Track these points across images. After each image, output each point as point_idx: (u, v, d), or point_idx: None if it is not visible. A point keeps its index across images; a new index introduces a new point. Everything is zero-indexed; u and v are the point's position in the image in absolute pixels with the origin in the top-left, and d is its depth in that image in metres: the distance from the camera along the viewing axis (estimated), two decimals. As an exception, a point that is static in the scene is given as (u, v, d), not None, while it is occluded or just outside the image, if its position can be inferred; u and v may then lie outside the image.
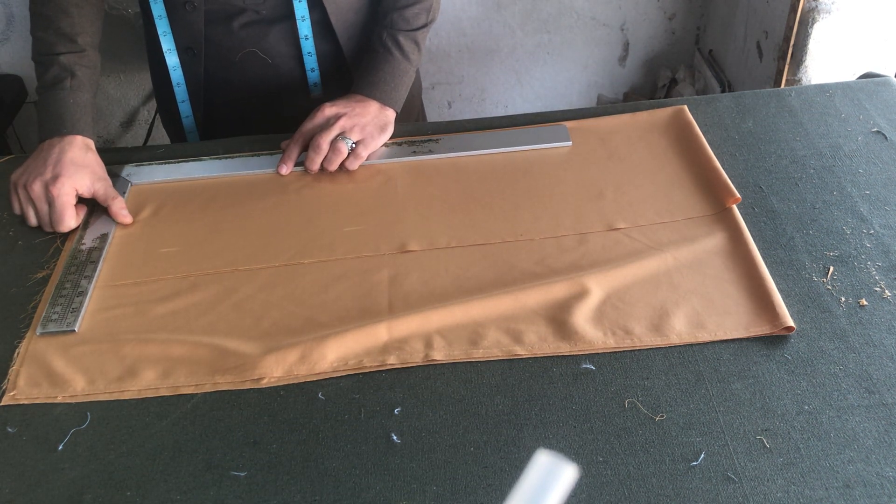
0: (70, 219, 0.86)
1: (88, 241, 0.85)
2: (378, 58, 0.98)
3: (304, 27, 1.01)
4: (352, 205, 0.87)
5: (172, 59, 1.02)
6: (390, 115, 0.96)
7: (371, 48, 1.00)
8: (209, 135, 1.10)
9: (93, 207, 0.89)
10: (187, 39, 1.01)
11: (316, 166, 0.91)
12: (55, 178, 0.86)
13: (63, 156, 0.87)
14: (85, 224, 0.87)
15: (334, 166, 0.91)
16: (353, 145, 0.91)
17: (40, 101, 0.92)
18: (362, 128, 0.93)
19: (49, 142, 0.89)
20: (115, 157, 0.97)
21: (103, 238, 0.85)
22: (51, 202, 0.86)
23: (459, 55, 1.91)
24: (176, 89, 1.05)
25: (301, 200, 0.89)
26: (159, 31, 1.00)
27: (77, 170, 0.87)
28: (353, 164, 0.91)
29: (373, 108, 0.95)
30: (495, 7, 1.83)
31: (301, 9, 0.99)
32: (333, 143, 0.91)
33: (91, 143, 0.92)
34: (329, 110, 0.93)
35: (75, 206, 0.87)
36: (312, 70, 1.05)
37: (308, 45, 1.02)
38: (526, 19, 1.86)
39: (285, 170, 0.92)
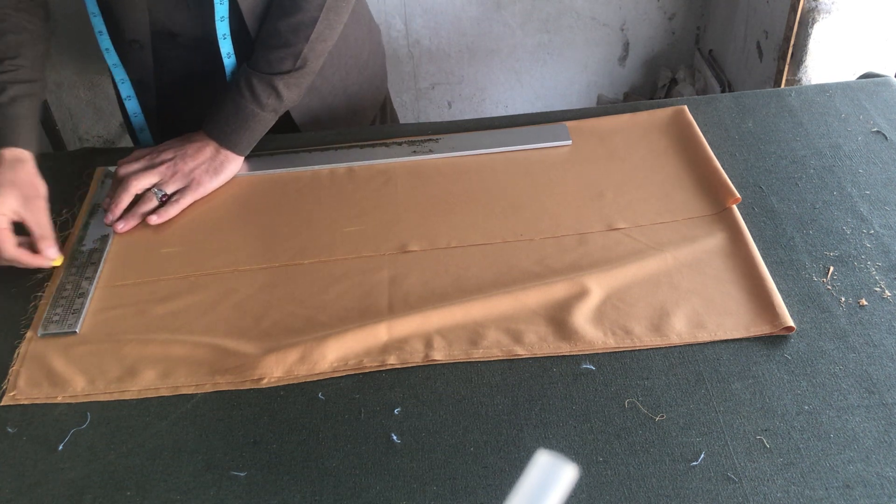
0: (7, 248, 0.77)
1: (89, 242, 0.85)
2: (227, 96, 0.91)
3: (223, 26, 0.94)
4: (352, 205, 0.87)
5: (126, 90, 0.99)
6: (229, 157, 0.90)
7: (228, 84, 0.94)
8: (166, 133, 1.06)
9: (93, 209, 0.89)
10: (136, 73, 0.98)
11: (117, 212, 0.86)
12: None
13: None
14: (85, 225, 0.87)
15: (137, 213, 0.86)
16: (164, 195, 0.87)
17: None
18: (186, 175, 0.88)
19: None
20: (115, 158, 0.97)
21: (104, 239, 0.85)
22: None
23: (459, 55, 1.91)
24: (126, 102, 1.01)
25: (301, 200, 0.89)
26: (109, 63, 0.97)
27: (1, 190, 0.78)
28: (164, 216, 0.86)
29: (208, 150, 0.90)
30: (495, 7, 1.83)
31: (223, 27, 0.94)
32: (143, 192, 0.87)
33: (25, 154, 0.83)
34: (152, 154, 0.89)
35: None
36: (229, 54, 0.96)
37: (226, 44, 0.95)
38: (526, 19, 1.86)
39: (121, 227, 0.86)
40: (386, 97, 1.21)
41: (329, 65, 1.03)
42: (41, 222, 0.81)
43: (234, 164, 0.91)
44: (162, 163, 0.89)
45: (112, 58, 0.97)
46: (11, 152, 0.82)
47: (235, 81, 0.92)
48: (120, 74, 0.98)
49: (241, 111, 0.90)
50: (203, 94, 0.99)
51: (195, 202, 0.89)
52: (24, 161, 0.82)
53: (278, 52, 0.90)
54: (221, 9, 0.92)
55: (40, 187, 0.83)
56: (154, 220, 0.87)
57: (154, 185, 0.88)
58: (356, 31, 1.07)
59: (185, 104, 1.02)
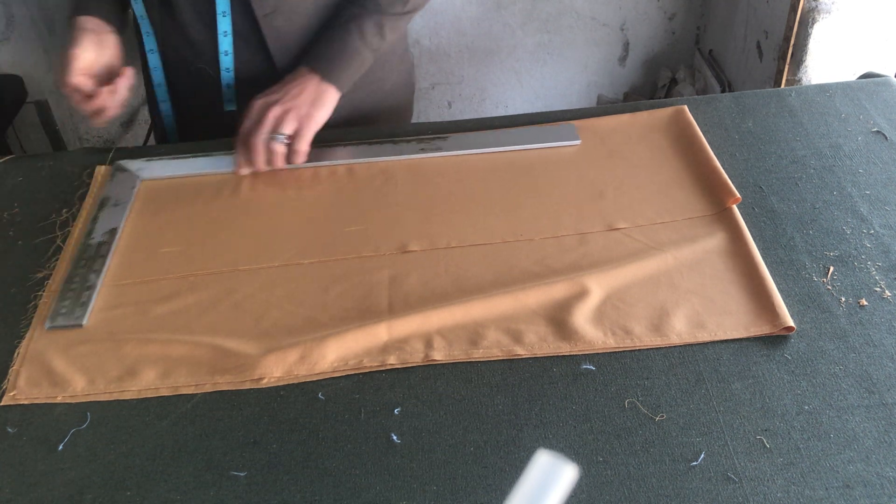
0: (99, 111, 0.89)
1: (98, 235, 0.85)
2: (334, 33, 0.94)
3: (226, 42, 0.97)
4: (352, 205, 0.87)
5: (154, 60, 1.01)
6: (330, 92, 0.92)
7: (330, 23, 0.96)
8: (186, 137, 1.08)
9: (102, 202, 0.89)
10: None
11: (255, 167, 0.90)
12: (63, 70, 0.87)
13: (68, 46, 0.89)
14: (94, 218, 0.87)
15: (278, 165, 0.90)
16: (287, 140, 0.89)
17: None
18: (297, 111, 0.89)
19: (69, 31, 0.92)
20: (115, 157, 0.97)
21: (112, 233, 0.85)
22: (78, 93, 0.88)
23: (459, 55, 1.91)
24: (157, 90, 1.03)
25: (301, 200, 0.89)
26: (142, 30, 0.99)
27: (78, 52, 0.88)
28: (298, 159, 0.90)
29: (310, 85, 0.91)
30: (495, 7, 1.83)
31: (224, 24, 0.96)
32: (268, 143, 0.89)
33: (97, 21, 0.92)
34: (258, 103, 0.90)
35: (119, 78, 0.89)
36: (228, 86, 1.01)
37: (226, 42, 0.97)
38: (526, 19, 1.86)
39: (244, 171, 0.91)
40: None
41: (368, 82, 1.04)
42: (119, 68, 0.92)
43: (333, 100, 0.93)
44: (269, 110, 0.89)
45: (146, 26, 0.99)
46: (86, 19, 0.92)
47: (341, 20, 0.95)
48: (150, 44, 1.00)
49: (348, 48, 0.93)
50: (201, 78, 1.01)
51: (191, 205, 0.89)
52: (95, 26, 0.92)
53: None
54: (223, 3, 0.93)
55: (112, 45, 0.93)
56: (293, 162, 0.90)
57: (273, 133, 0.89)
58: (397, 50, 1.08)
59: (183, 85, 1.04)
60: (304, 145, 0.90)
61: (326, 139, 0.97)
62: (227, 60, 0.98)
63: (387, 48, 0.98)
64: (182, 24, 0.97)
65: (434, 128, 0.97)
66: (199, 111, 1.05)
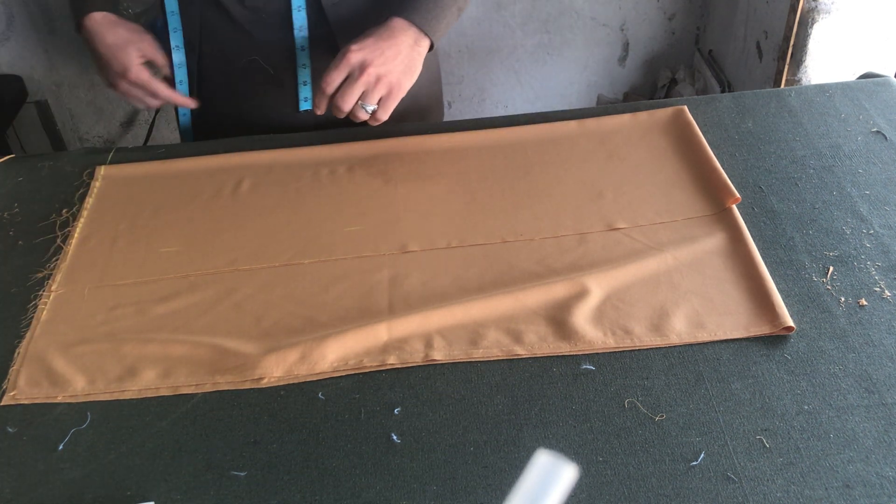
0: (162, 89, 0.97)
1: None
2: None
3: (301, 38, 0.98)
4: (352, 205, 0.87)
5: (178, 57, 1.02)
6: (423, 50, 0.91)
7: None
8: (203, 136, 1.10)
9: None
10: (188, 35, 1.01)
11: (335, 115, 0.89)
12: (123, 70, 0.94)
13: (101, 44, 0.95)
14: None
15: (359, 119, 0.90)
16: (374, 108, 0.88)
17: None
18: (388, 78, 0.88)
19: (83, 34, 0.96)
20: (115, 158, 0.97)
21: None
22: (143, 87, 0.95)
23: (459, 55, 1.91)
24: (178, 87, 1.04)
25: (301, 200, 0.89)
26: (170, 27, 1.00)
27: (122, 48, 0.94)
28: (375, 123, 0.90)
29: (405, 42, 0.89)
30: (495, 7, 1.83)
31: (300, 18, 0.97)
32: (353, 108, 0.88)
33: (110, 16, 0.97)
34: (354, 57, 0.87)
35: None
36: (304, 83, 1.02)
37: (303, 55, 0.99)
38: (526, 19, 1.86)
39: (319, 111, 0.90)
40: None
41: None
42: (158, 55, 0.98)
43: (422, 59, 0.92)
44: (362, 71, 0.87)
45: (174, 22, 1.02)
46: (101, 17, 0.96)
47: None
48: (176, 40, 1.02)
49: (443, 2, 0.93)
50: (236, 78, 1.02)
51: (191, 204, 0.89)
52: (112, 21, 0.97)
53: None
54: None
55: (138, 33, 0.97)
56: (373, 123, 0.90)
57: (359, 99, 0.88)
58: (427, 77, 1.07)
59: (215, 84, 1.05)
60: (386, 115, 0.89)
61: (326, 139, 0.97)
62: (303, 56, 0.99)
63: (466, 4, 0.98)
64: (237, 20, 0.99)
65: (434, 128, 0.97)
66: (222, 109, 1.07)
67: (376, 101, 0.88)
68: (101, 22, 0.96)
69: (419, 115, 1.11)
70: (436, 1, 0.92)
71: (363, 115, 0.88)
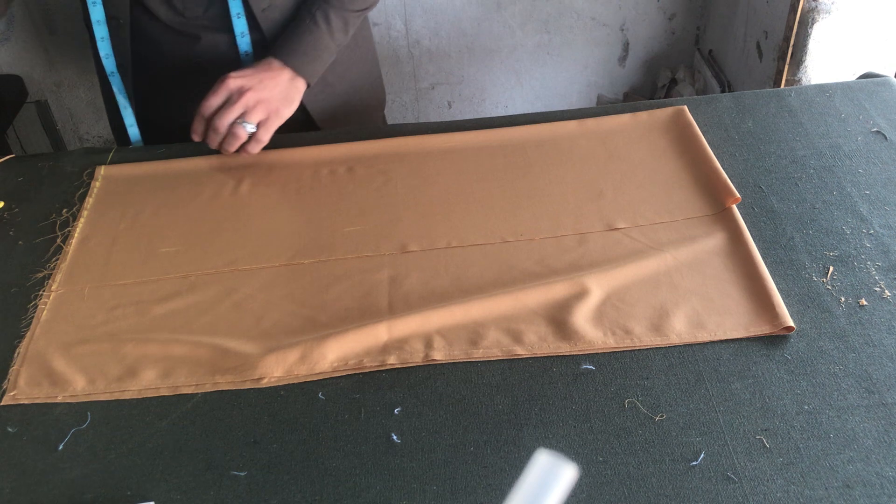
0: None
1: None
2: (303, 27, 0.96)
3: (244, 44, 0.99)
4: (352, 205, 0.87)
5: (116, 82, 1.01)
6: (300, 87, 0.94)
7: (298, 17, 0.97)
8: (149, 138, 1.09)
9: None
10: (117, 55, 1.00)
11: (215, 146, 0.91)
12: None
13: None
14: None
15: (231, 150, 0.90)
16: (254, 129, 0.90)
17: None
18: (267, 104, 0.90)
19: None
20: (115, 158, 0.97)
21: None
22: None
23: (459, 55, 1.91)
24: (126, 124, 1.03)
25: (301, 200, 0.89)
26: (101, 54, 0.99)
27: None
28: (255, 149, 0.91)
29: (283, 77, 0.93)
30: (495, 7, 1.83)
31: (240, 25, 0.98)
32: (232, 126, 0.89)
33: None
34: (234, 83, 0.90)
35: None
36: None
37: (244, 42, 1.00)
38: (526, 19, 1.86)
39: (197, 137, 0.92)
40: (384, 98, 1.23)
41: (344, 63, 1.06)
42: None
43: (298, 97, 0.95)
44: (241, 94, 0.89)
45: (101, 30, 0.98)
46: None
47: (310, 15, 0.96)
48: (105, 49, 1.00)
49: (319, 42, 0.95)
50: (181, 85, 1.01)
51: (191, 204, 0.89)
52: None
53: None
54: (235, 5, 0.94)
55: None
56: (248, 152, 0.91)
57: (239, 118, 0.89)
58: (365, 30, 1.09)
59: (162, 94, 1.04)
60: (267, 136, 0.91)
61: (326, 139, 0.97)
62: (248, 61, 1.00)
63: (346, 42, 1.00)
64: (170, 26, 0.99)
65: (434, 128, 0.97)
66: (171, 116, 1.05)
67: (256, 122, 0.90)
68: None
69: (359, 115, 1.13)
70: (313, 44, 0.95)
71: (242, 134, 0.89)
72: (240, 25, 0.97)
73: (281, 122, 0.92)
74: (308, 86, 0.96)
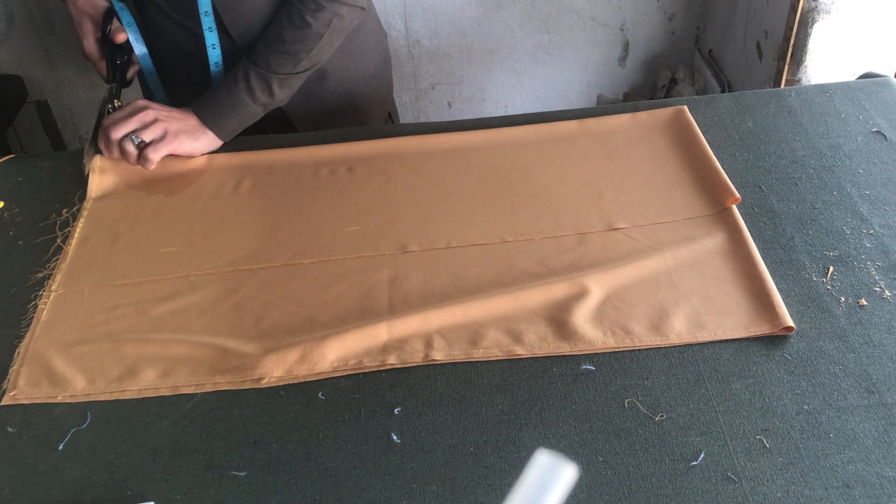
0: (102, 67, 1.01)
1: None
2: (222, 83, 0.96)
3: (215, 55, 1.00)
4: (352, 205, 0.87)
5: (140, 49, 1.03)
6: (209, 137, 0.95)
7: (227, 74, 0.98)
8: None
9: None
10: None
11: (111, 157, 0.93)
12: (81, 41, 0.99)
13: (72, 7, 0.99)
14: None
15: (131, 164, 0.92)
16: (142, 142, 0.91)
17: None
18: (166, 125, 0.92)
19: None
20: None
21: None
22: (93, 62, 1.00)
23: (459, 55, 1.91)
24: (147, 78, 1.06)
25: (301, 200, 0.89)
26: (123, 22, 1.00)
27: (79, 21, 0.98)
28: (147, 167, 0.92)
29: (192, 122, 0.94)
30: (495, 7, 1.83)
31: (211, 38, 0.98)
32: (121, 142, 0.91)
33: None
34: (142, 103, 0.93)
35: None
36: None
37: (212, 36, 0.99)
38: (526, 19, 1.86)
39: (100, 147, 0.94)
40: (392, 107, 1.22)
41: (333, 76, 1.05)
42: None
43: (211, 144, 0.95)
44: (142, 113, 0.92)
45: (127, 17, 1.01)
46: None
47: (233, 71, 0.96)
48: (127, 17, 1.01)
49: (234, 99, 0.94)
50: (190, 68, 1.03)
51: (190, 204, 0.89)
52: None
53: (279, 57, 0.95)
54: (205, 3, 0.94)
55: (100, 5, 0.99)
56: (143, 167, 0.92)
57: (132, 132, 0.91)
58: (363, 42, 1.09)
59: (174, 72, 1.06)
60: (155, 156, 0.91)
61: (326, 139, 0.97)
62: (215, 54, 1.00)
63: (281, 102, 0.99)
64: (163, 16, 1.00)
65: (434, 128, 0.97)
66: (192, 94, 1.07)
67: (149, 139, 0.91)
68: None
69: (362, 114, 1.13)
70: (227, 100, 0.95)
71: (130, 148, 0.91)
72: (207, 21, 0.98)
73: (178, 148, 0.92)
74: (221, 141, 0.96)
